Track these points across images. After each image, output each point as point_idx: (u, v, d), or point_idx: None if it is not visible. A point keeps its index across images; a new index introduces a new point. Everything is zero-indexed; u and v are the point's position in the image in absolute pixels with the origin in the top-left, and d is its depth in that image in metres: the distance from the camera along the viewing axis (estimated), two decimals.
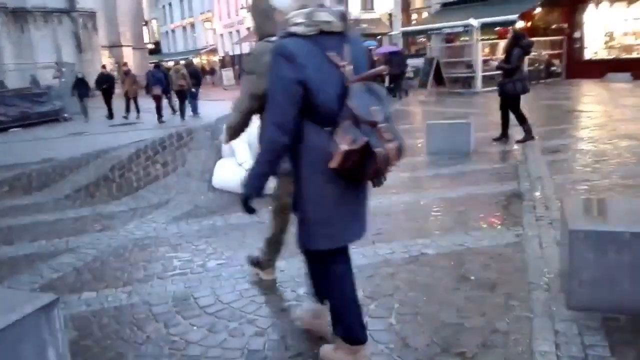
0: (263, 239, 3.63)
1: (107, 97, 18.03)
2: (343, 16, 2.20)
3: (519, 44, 7.96)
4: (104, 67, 21.79)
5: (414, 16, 26.78)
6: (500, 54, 20.03)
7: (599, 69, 19.09)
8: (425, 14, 25.84)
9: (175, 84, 15.45)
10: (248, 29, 38.54)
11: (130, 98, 17.13)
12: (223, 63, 41.81)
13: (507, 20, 19.53)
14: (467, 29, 19.70)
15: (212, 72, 39.03)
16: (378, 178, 2.30)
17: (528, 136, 8.13)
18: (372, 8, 35.38)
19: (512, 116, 8.44)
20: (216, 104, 18.77)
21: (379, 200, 5.46)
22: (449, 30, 20.79)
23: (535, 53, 19.38)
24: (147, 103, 17.20)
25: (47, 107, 19.09)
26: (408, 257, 3.88)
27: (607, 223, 2.89)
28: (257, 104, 2.88)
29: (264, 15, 2.96)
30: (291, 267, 3.80)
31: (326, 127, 2.16)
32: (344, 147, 2.05)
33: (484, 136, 8.61)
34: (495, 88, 17.09)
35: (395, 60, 17.74)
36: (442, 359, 2.58)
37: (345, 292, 2.50)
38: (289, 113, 2.15)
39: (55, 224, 5.60)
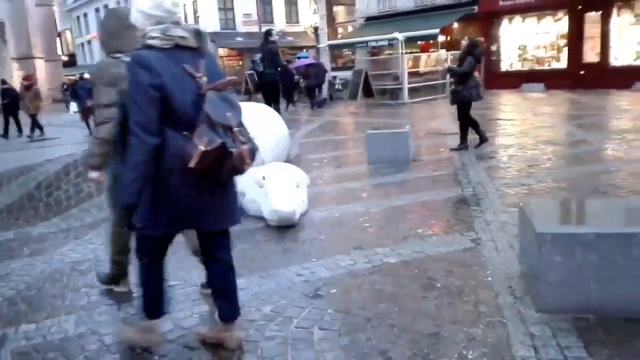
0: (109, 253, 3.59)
1: (11, 113, 16.72)
2: (198, 33, 2.46)
3: (472, 53, 8.15)
4: (4, 81, 20.18)
5: (340, 30, 27.24)
6: (423, 66, 20.93)
7: (515, 80, 20.28)
8: (350, 28, 26.38)
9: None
10: None
11: (31, 115, 15.95)
12: None
13: (429, 35, 20.37)
14: (392, 43, 20.28)
15: None
16: (234, 175, 2.52)
17: (483, 140, 8.44)
18: (297, 21, 35.77)
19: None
20: None
21: (330, 210, 5.41)
22: (374, 44, 21.29)
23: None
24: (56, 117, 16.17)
25: None
26: (371, 267, 3.81)
27: (572, 225, 2.96)
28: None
29: (112, 32, 3.27)
30: (251, 285, 3.62)
31: (184, 132, 2.34)
32: (201, 148, 2.24)
33: (417, 145, 8.79)
34: (421, 99, 17.99)
35: (312, 72, 18.06)
36: None
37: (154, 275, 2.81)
38: (151, 114, 2.33)
39: None
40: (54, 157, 7.14)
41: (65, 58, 51.25)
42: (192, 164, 2.26)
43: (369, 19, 24.53)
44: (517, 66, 21.24)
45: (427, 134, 10.70)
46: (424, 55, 21.71)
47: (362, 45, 22.18)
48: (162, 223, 2.53)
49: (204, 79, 2.41)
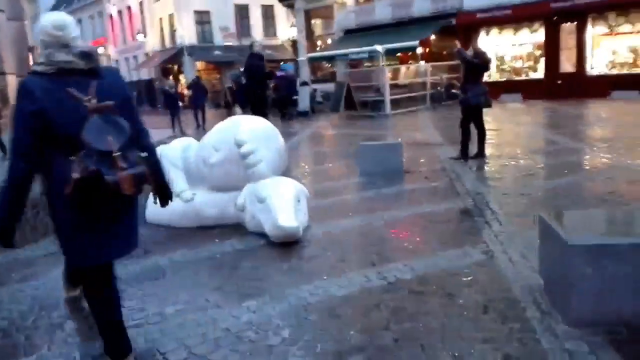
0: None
1: None
2: (84, 55, 2.43)
3: (479, 57, 8.07)
4: None
5: (319, 42, 27.31)
6: (402, 78, 21.05)
7: (493, 91, 20.26)
8: (329, 41, 26.46)
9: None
10: (146, 54, 37.22)
11: None
12: None
13: (409, 46, 20.56)
14: (373, 55, 20.39)
15: None
16: (130, 196, 2.43)
17: (481, 152, 8.30)
18: (275, 35, 35.78)
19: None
20: None
21: (331, 225, 5.27)
22: (355, 56, 21.39)
23: (437, 77, 20.53)
24: None
25: None
26: (386, 284, 3.67)
27: (601, 235, 2.88)
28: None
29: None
30: (264, 306, 3.44)
31: (71, 156, 2.31)
32: (75, 175, 2.25)
33: (406, 156, 8.67)
34: (403, 111, 18.04)
35: (282, 84, 18.07)
36: None
37: (104, 313, 2.73)
38: (26, 141, 2.35)
39: None
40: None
41: None
42: (67, 191, 2.27)
43: (348, 31, 24.65)
44: (495, 77, 21.52)
45: (414, 144, 10.65)
46: (403, 67, 21.88)
47: (343, 57, 22.27)
48: (79, 253, 2.57)
49: (93, 101, 2.36)
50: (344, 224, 5.31)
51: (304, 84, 21.53)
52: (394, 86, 19.17)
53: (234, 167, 5.22)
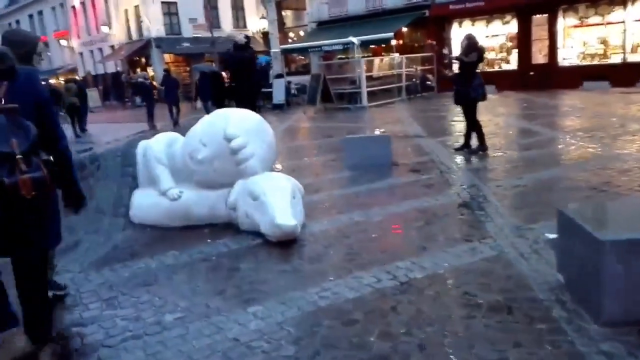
0: None
1: None
2: None
3: (475, 49, 7.81)
4: None
5: (291, 34, 26.94)
6: (376, 70, 20.93)
7: None
8: (301, 33, 26.12)
9: (67, 102, 15.65)
10: (112, 46, 36.11)
11: None
12: (85, 84, 38.51)
13: (383, 38, 20.41)
14: (347, 47, 20.17)
15: None
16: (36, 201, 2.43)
17: (482, 146, 8.02)
18: (244, 26, 35.16)
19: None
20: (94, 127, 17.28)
21: (328, 221, 5.07)
22: (329, 48, 21.14)
23: (412, 69, 20.49)
24: None
25: None
26: (398, 284, 3.49)
27: (629, 231, 2.76)
28: None
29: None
30: (272, 313, 3.21)
31: None
32: None
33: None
34: (380, 103, 17.93)
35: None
36: None
37: None
38: None
39: None
40: None
41: None
42: None
43: (321, 23, 24.35)
44: None
45: (396, 137, 10.48)
46: (377, 59, 21.76)
47: (317, 49, 21.99)
48: None
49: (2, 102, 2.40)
50: (341, 220, 5.10)
51: (279, 76, 21.19)
52: (369, 78, 19.03)
53: (223, 163, 4.95)
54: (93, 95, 31.92)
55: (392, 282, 3.51)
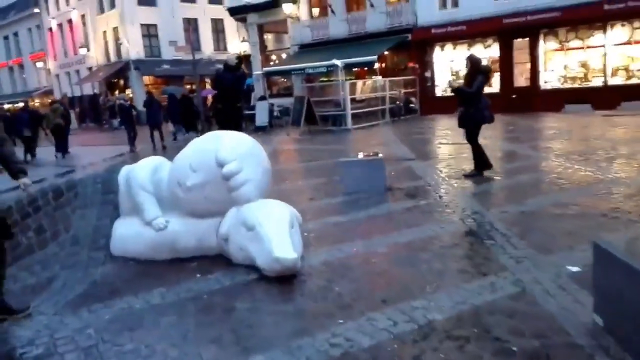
0: None
1: None
2: None
3: (480, 70, 7.58)
4: None
5: (273, 57, 26.79)
6: (359, 93, 20.80)
7: (450, 105, 20.41)
8: (283, 55, 25.99)
9: (52, 123, 15.49)
10: (90, 68, 35.51)
11: None
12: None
13: (367, 61, 20.35)
14: (331, 69, 20.04)
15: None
16: None
17: (480, 170, 7.71)
18: (225, 49, 35.02)
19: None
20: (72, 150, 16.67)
21: (329, 252, 4.69)
22: (311, 71, 20.98)
23: (395, 92, 20.42)
24: None
25: None
26: (417, 327, 3.12)
27: None
28: None
29: None
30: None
31: None
32: None
33: None
34: (364, 125, 17.73)
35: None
36: None
37: None
38: None
39: None
40: None
41: None
42: None
43: (303, 46, 24.26)
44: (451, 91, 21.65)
45: (385, 160, 10.22)
46: (361, 82, 21.66)
47: (299, 72, 21.83)
48: None
49: None
50: (342, 251, 4.73)
51: (262, 98, 20.93)
52: (352, 101, 18.87)
53: (215, 190, 4.57)
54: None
55: (409, 326, 3.14)
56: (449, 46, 21.33)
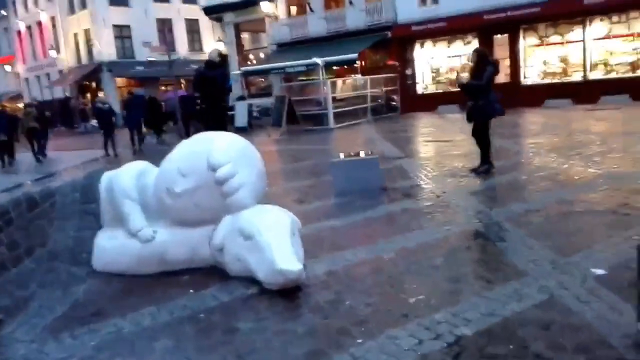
0: None
1: None
2: None
3: (489, 62, 7.29)
4: None
5: (251, 56, 26.34)
6: (339, 91, 20.50)
7: (431, 102, 20.51)
8: (261, 55, 25.57)
9: (26, 127, 15.15)
10: (60, 71, 34.51)
11: None
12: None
13: (347, 59, 20.07)
14: (311, 68, 19.71)
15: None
16: None
17: (489, 166, 7.48)
18: (200, 49, 34.43)
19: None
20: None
21: (332, 260, 4.35)
22: (291, 70, 20.62)
23: (377, 90, 20.19)
24: None
25: None
26: (445, 345, 2.80)
27: None
28: None
29: None
30: None
31: None
32: None
33: None
34: (346, 124, 17.44)
35: (184, 102, 17.30)
36: None
37: None
38: None
39: None
40: None
41: None
42: None
43: (282, 45, 23.89)
44: (432, 89, 21.55)
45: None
46: (339, 81, 21.36)
47: (279, 71, 21.44)
48: None
49: None
50: (346, 258, 4.39)
51: (241, 98, 20.48)
52: (334, 99, 18.58)
53: (206, 196, 4.19)
54: None
55: (437, 344, 2.82)
56: (428, 43, 21.23)
